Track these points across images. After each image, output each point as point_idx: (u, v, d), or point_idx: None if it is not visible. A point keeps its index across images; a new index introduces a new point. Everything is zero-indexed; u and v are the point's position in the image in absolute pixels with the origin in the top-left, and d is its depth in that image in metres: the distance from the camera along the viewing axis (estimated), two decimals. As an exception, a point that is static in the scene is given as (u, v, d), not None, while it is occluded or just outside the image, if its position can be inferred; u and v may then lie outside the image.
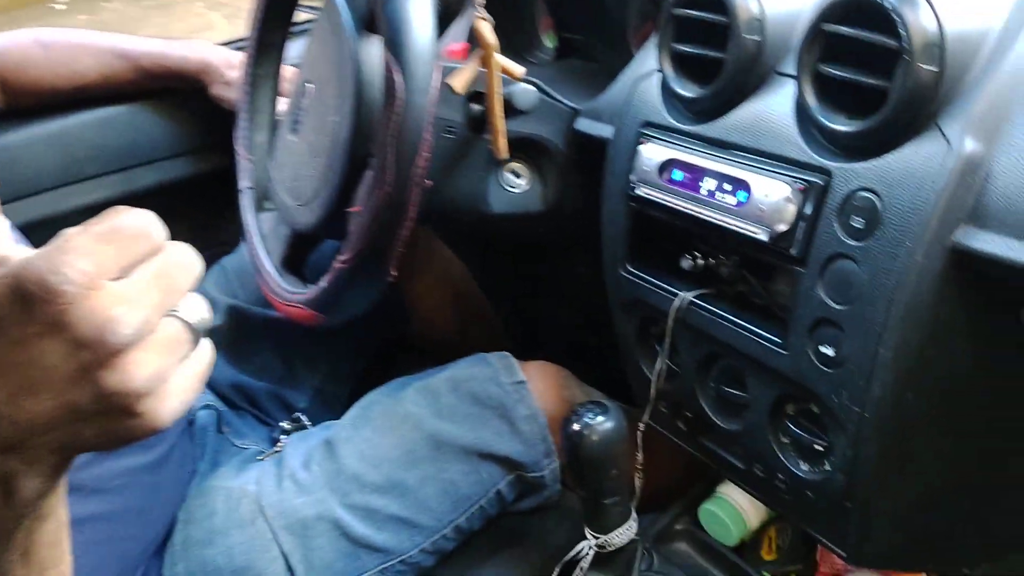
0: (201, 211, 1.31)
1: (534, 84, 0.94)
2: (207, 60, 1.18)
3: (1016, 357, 0.67)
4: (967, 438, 0.72)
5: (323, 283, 0.87)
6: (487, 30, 0.77)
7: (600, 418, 0.78)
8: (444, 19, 1.04)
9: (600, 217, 0.92)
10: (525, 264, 1.34)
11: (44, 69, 1.14)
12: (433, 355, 1.17)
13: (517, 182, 0.99)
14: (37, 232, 0.90)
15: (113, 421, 0.40)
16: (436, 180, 0.93)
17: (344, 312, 0.90)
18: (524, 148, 0.97)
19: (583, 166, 0.98)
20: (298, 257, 1.03)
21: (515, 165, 0.99)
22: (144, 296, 0.39)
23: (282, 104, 1.09)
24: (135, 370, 0.39)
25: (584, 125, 0.95)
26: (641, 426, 0.87)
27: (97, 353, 0.38)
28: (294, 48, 1.14)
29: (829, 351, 0.68)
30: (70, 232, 0.39)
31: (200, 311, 0.43)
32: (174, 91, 1.24)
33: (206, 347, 0.44)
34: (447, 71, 0.85)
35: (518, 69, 0.82)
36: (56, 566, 0.47)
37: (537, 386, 0.96)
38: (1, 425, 0.39)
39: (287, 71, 1.11)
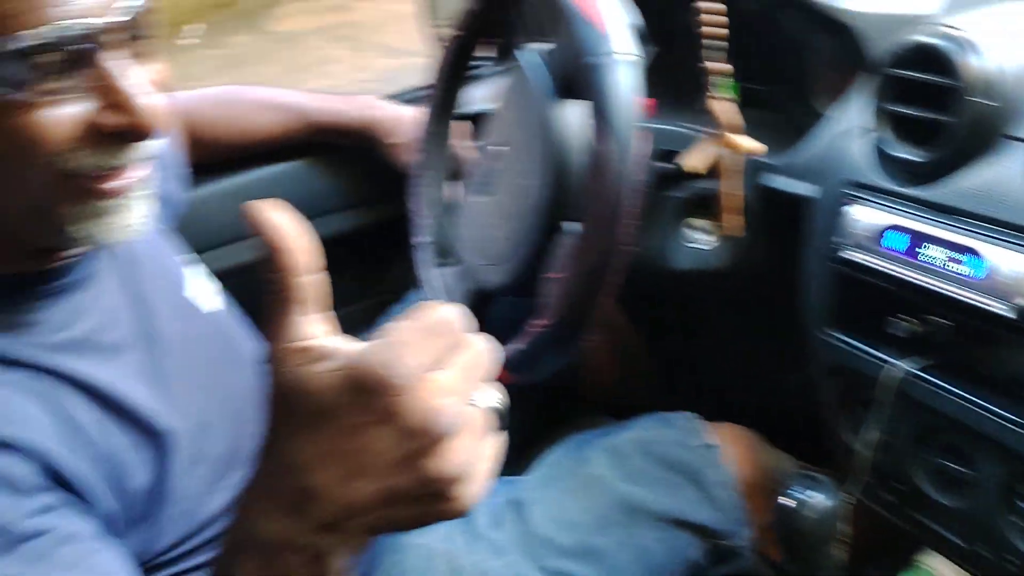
0: (366, 261, 1.34)
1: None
2: (376, 118, 1.21)
3: None
4: None
5: (521, 344, 0.87)
6: (725, 110, 0.76)
7: (817, 494, 0.76)
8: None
9: (792, 277, 0.89)
10: (690, 319, 1.31)
11: (232, 126, 1.19)
12: (595, 403, 1.16)
13: (703, 238, 0.97)
14: (227, 280, 0.94)
15: (426, 505, 0.43)
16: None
17: (536, 373, 0.90)
18: (710, 204, 0.96)
19: (771, 222, 0.96)
20: (477, 313, 1.03)
21: (700, 221, 0.97)
22: (459, 387, 0.42)
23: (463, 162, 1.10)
24: (453, 457, 0.42)
25: (780, 182, 0.93)
26: (850, 499, 0.83)
27: (422, 441, 0.41)
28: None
29: (1087, 437, 0.64)
30: (396, 327, 0.42)
31: (495, 398, 0.46)
32: (342, 146, 1.28)
33: (498, 436, 0.46)
34: (674, 137, 0.84)
35: (756, 147, 0.81)
36: None
37: (727, 450, 0.94)
38: (328, 506, 0.42)
39: (459, 127, 1.12)
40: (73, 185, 0.61)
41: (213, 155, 1.21)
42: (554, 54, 0.89)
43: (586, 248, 0.78)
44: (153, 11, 0.63)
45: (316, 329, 0.44)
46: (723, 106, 0.77)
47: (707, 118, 0.82)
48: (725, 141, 0.79)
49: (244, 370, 0.82)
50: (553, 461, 0.98)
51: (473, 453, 0.43)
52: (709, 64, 0.77)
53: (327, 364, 0.42)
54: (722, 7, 0.75)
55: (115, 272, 0.77)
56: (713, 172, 0.86)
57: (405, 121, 1.19)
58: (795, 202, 0.89)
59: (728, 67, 0.75)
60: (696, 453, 0.93)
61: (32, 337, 0.66)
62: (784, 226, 0.91)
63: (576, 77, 0.80)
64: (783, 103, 1.06)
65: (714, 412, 1.01)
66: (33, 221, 0.63)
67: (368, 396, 0.41)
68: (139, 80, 0.61)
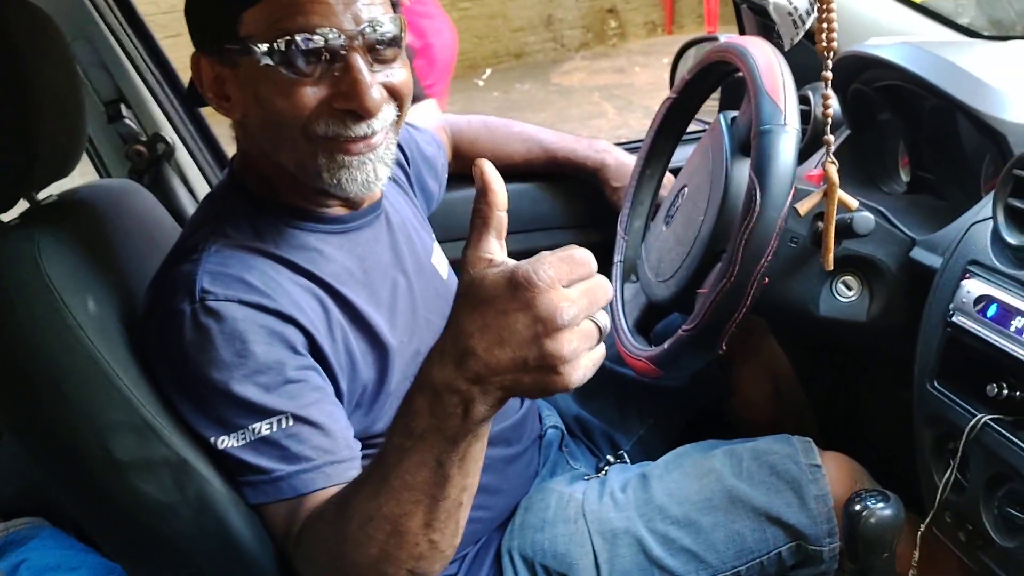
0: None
1: (878, 211, 1.09)
2: (606, 162, 1.47)
3: None
4: None
5: (667, 345, 1.09)
6: (833, 172, 0.95)
7: (880, 504, 0.90)
8: (808, 148, 1.24)
9: (916, 336, 1.03)
10: (844, 367, 1.45)
11: (487, 148, 1.49)
12: (743, 432, 1.32)
13: (847, 292, 1.13)
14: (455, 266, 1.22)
15: (543, 375, 0.63)
16: (775, 279, 1.10)
17: (678, 371, 1.11)
18: (859, 264, 1.12)
19: (909, 289, 1.10)
20: (648, 323, 1.26)
21: (848, 278, 1.13)
22: (579, 300, 0.63)
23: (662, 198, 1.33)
24: (566, 343, 0.62)
25: (918, 254, 1.08)
26: (922, 527, 0.96)
27: (547, 327, 0.62)
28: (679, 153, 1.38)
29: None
30: (545, 253, 0.64)
31: (606, 321, 0.66)
32: (572, 176, 1.54)
33: (602, 346, 0.67)
34: (800, 194, 1.03)
35: (852, 202, 0.98)
36: (475, 477, 0.73)
37: (832, 473, 1.08)
38: (478, 363, 0.65)
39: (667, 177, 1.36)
40: (323, 145, 0.91)
41: (470, 168, 1.52)
42: (740, 118, 1.11)
43: (728, 272, 0.98)
44: (397, 34, 0.91)
45: (496, 248, 0.67)
46: (830, 168, 0.95)
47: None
48: (827, 194, 0.97)
49: None
50: (683, 452, 1.18)
51: (581, 346, 0.64)
52: (826, 138, 0.96)
53: (498, 269, 0.64)
54: (833, 95, 0.94)
55: (385, 229, 1.08)
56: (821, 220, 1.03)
57: (629, 168, 1.44)
58: (928, 273, 1.04)
59: (830, 138, 0.95)
60: (804, 469, 1.08)
61: (317, 261, 0.97)
62: (917, 293, 1.06)
63: (750, 140, 1.02)
64: (952, 192, 1.20)
65: (831, 441, 1.15)
66: (302, 169, 0.94)
67: (517, 290, 0.62)
68: (367, 78, 0.89)
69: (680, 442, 1.23)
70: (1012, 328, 0.87)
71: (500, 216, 0.67)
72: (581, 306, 0.63)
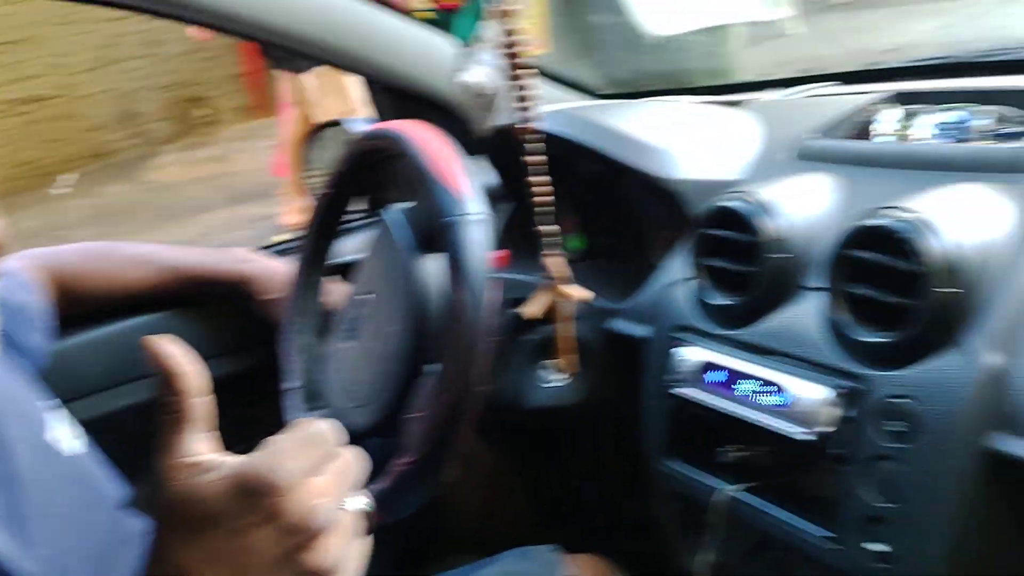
0: (236, 407, 1.34)
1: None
2: (249, 273, 1.25)
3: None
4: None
5: (384, 484, 0.91)
6: (558, 264, 0.86)
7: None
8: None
9: (634, 410, 0.97)
10: (551, 454, 1.38)
11: (96, 281, 1.21)
12: (461, 541, 1.19)
13: (555, 378, 1.05)
14: (93, 428, 0.95)
15: None
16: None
17: (401, 510, 0.94)
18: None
19: (616, 361, 1.05)
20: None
21: (553, 362, 1.05)
22: (332, 490, 0.48)
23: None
24: (328, 553, 0.47)
25: (621, 326, 1.03)
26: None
27: (300, 538, 0.46)
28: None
29: (881, 547, 0.72)
30: (276, 439, 0.48)
31: (362, 502, 0.52)
32: (213, 297, 1.31)
33: (365, 533, 0.52)
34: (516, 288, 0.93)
35: (584, 295, 0.90)
36: None
37: (585, 580, 0.99)
38: None
39: (329, 278, 1.19)
40: None
41: (83, 307, 1.22)
42: (415, 211, 0.99)
43: (444, 388, 0.84)
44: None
45: (204, 446, 0.49)
46: (555, 261, 0.87)
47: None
48: (557, 291, 0.88)
49: (106, 512, 0.82)
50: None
51: (345, 549, 0.49)
52: (540, 227, 0.87)
53: (215, 473, 0.47)
54: (547, 179, 0.86)
55: None
56: (550, 317, 0.95)
57: (278, 274, 1.24)
58: (634, 343, 0.99)
59: (556, 228, 0.86)
60: (552, 585, 0.97)
61: None
62: (626, 365, 1.00)
63: (435, 234, 0.89)
64: (625, 255, 1.18)
65: (577, 543, 1.06)
66: None
67: (252, 498, 0.46)
68: None
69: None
70: (739, 392, 0.84)
71: (199, 404, 0.49)
72: (336, 497, 0.49)
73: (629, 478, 1.02)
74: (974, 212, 0.73)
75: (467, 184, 0.89)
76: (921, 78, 1.06)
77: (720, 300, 0.88)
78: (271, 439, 0.48)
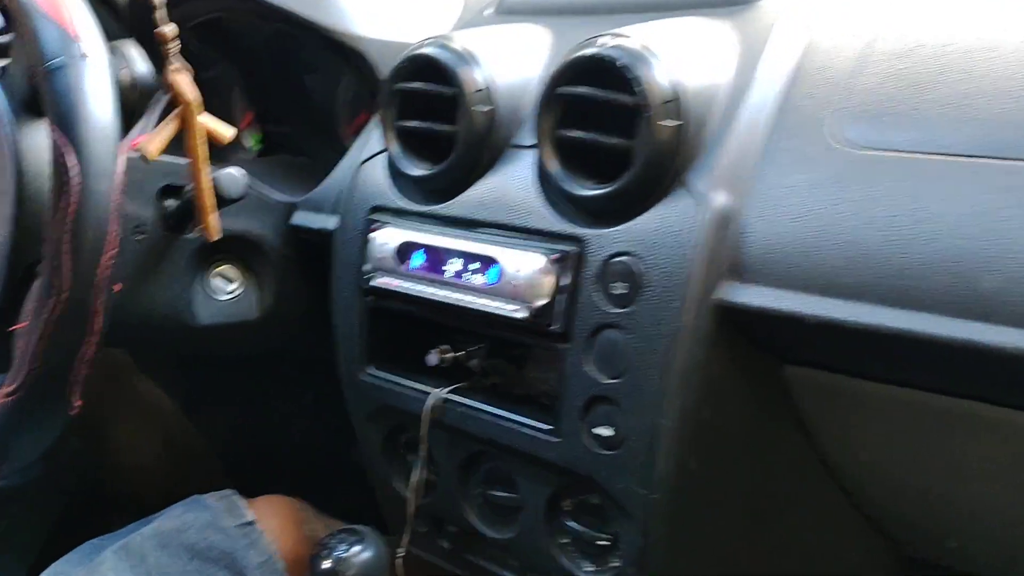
0: None
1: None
2: None
3: (784, 412, 0.66)
4: (752, 502, 0.69)
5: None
6: (186, 82, 0.65)
7: (355, 548, 0.66)
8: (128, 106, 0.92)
9: (330, 318, 0.81)
10: (246, 385, 1.17)
11: None
12: (135, 512, 0.97)
13: (227, 287, 0.86)
14: None
15: None
16: (127, 292, 0.77)
17: (13, 461, 0.71)
18: (234, 248, 0.85)
19: (304, 265, 0.88)
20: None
21: (223, 268, 0.86)
22: None
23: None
24: None
25: (301, 218, 0.85)
26: (401, 552, 0.75)
27: None
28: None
29: (606, 431, 0.62)
30: None
31: None
32: None
33: None
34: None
35: (226, 130, 0.71)
36: None
37: (269, 524, 0.81)
38: None
39: None
40: None
41: None
42: (10, 67, 0.74)
43: (51, 288, 0.62)
44: None
45: None
46: (181, 78, 0.66)
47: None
48: (183, 120, 0.68)
49: None
50: (54, 574, 0.78)
51: None
52: (157, 31, 0.66)
53: None
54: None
55: None
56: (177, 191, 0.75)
57: None
58: (323, 238, 0.82)
59: (173, 28, 0.64)
60: (231, 534, 0.78)
61: None
62: (316, 267, 0.84)
63: (39, 87, 0.66)
64: (311, 144, 1.01)
65: (263, 483, 0.88)
66: None
67: None
68: None
69: (49, 559, 0.82)
70: (448, 273, 0.70)
71: None
72: None
73: (326, 398, 0.86)
74: (695, 44, 0.64)
75: (79, 18, 0.67)
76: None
77: (418, 170, 0.73)
78: None
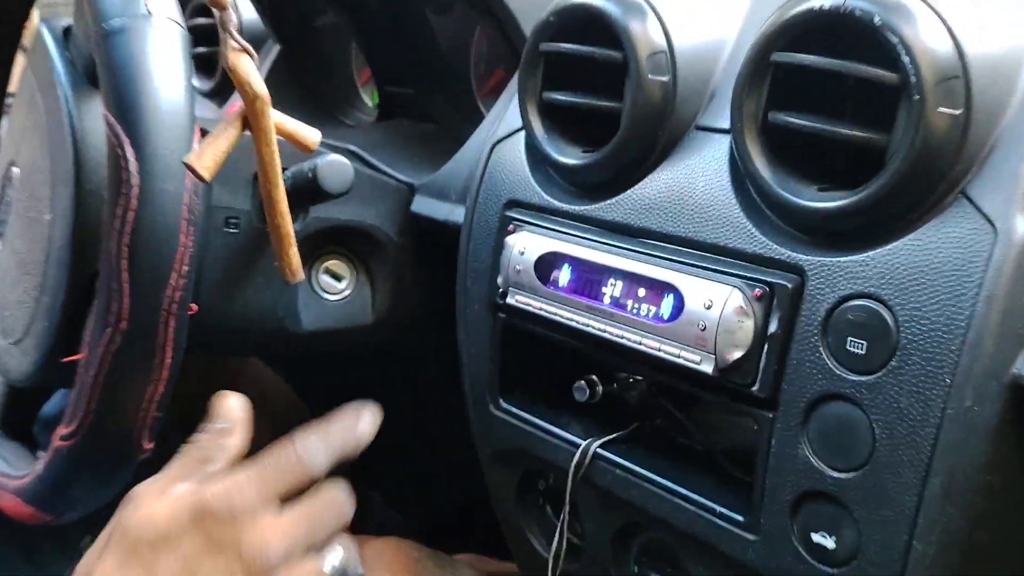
0: None
1: (347, 152, 0.69)
2: None
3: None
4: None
5: (39, 467, 0.57)
6: (250, 69, 0.49)
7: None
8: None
9: (455, 329, 0.66)
10: (363, 373, 1.05)
11: None
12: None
13: (336, 286, 0.72)
14: None
15: None
16: (218, 296, 0.65)
17: (77, 507, 0.60)
18: (343, 241, 0.71)
19: (423, 259, 0.73)
20: (22, 415, 0.71)
21: (332, 263, 0.72)
22: (294, 529, 0.44)
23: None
24: None
25: (423, 206, 0.70)
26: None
27: (248, 571, 0.43)
28: None
29: (828, 542, 0.45)
30: (251, 462, 0.44)
31: (336, 559, 0.46)
32: None
33: None
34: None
35: (311, 134, 0.55)
36: None
37: (381, 576, 0.69)
38: None
39: None
40: None
41: None
42: (75, 28, 0.61)
43: (110, 315, 0.49)
44: None
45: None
46: (243, 62, 0.49)
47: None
48: (256, 122, 0.51)
49: None
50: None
51: None
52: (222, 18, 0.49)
53: (174, 497, 0.43)
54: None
55: None
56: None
57: None
58: (447, 232, 0.67)
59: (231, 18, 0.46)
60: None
61: None
62: (439, 263, 0.69)
63: (94, 56, 0.53)
64: (438, 107, 0.85)
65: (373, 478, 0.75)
66: None
67: (206, 524, 0.43)
68: None
69: None
70: (606, 299, 0.53)
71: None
72: (297, 536, 0.44)
73: (453, 424, 0.71)
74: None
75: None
76: None
77: (569, 158, 0.56)
78: (242, 469, 0.44)
